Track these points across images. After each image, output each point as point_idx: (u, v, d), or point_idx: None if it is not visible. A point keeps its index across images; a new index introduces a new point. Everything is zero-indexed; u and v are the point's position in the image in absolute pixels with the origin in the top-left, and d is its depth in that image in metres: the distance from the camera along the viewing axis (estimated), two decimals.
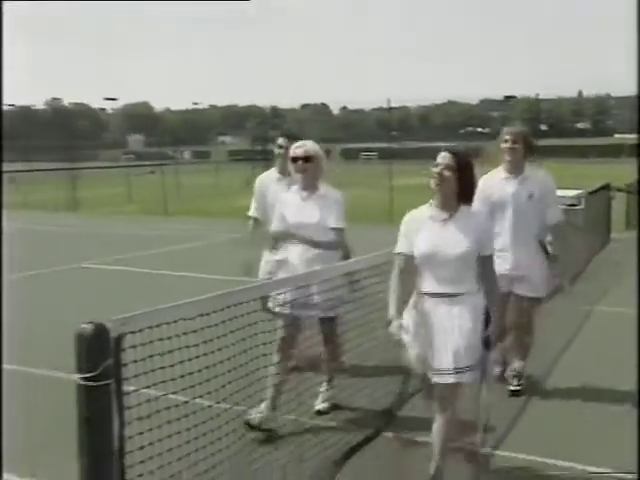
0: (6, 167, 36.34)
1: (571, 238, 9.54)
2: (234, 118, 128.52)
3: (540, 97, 42.29)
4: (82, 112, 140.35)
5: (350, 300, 5.51)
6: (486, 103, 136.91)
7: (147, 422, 3.17)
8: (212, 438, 3.85)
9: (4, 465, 4.54)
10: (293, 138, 6.17)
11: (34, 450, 5.07)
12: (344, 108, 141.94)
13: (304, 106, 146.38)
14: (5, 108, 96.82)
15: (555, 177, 6.40)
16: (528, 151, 6.22)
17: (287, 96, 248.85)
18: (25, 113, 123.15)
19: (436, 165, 4.23)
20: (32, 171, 38.27)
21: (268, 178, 6.72)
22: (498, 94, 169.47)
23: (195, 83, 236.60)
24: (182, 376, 3.45)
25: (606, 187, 15.77)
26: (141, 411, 3.12)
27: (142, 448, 3.07)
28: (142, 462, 3.08)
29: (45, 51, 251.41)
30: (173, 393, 3.39)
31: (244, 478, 4.24)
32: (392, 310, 4.31)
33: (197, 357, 3.63)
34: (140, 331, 3.08)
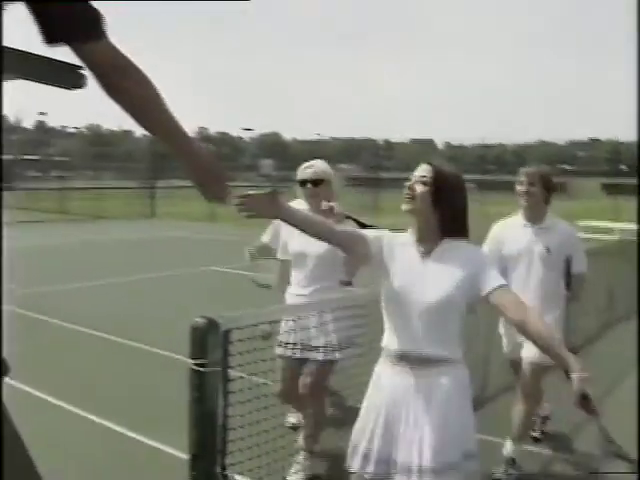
0: (162, 184, 37.74)
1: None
2: (351, 149, 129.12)
3: (621, 140, 40.92)
4: (224, 140, 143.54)
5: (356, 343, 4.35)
6: (573, 144, 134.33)
7: (248, 405, 3.23)
8: None
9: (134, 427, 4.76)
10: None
11: (158, 418, 5.41)
12: (448, 143, 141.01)
13: (413, 141, 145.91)
14: None
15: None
16: (548, 195, 4.70)
17: (399, 130, 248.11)
18: None
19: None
20: (180, 187, 39.33)
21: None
22: (584, 135, 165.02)
23: (319, 117, 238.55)
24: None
25: None
26: (242, 395, 3.17)
27: (242, 427, 3.13)
28: (242, 439, 3.14)
29: (191, 86, 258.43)
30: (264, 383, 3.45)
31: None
32: None
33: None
34: (245, 327, 3.13)
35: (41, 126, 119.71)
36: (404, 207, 2.78)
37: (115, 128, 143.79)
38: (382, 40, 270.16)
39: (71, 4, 1.85)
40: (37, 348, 7.67)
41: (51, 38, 1.85)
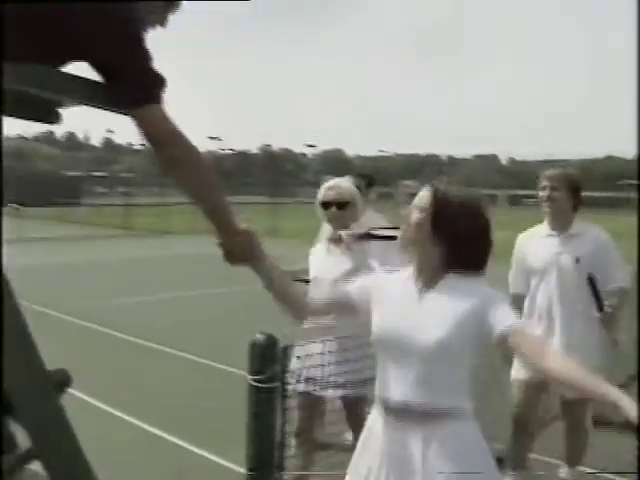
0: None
1: None
2: (415, 165, 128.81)
3: None
4: (287, 156, 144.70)
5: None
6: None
7: None
8: None
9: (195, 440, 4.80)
10: (367, 180, 4.94)
11: (215, 431, 5.52)
12: (511, 159, 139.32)
13: (476, 156, 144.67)
14: (226, 152, 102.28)
15: None
16: (576, 201, 4.15)
17: (461, 147, 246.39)
18: (242, 157, 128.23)
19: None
20: (244, 204, 39.77)
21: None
22: None
23: (382, 133, 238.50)
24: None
25: None
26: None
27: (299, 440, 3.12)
28: None
29: (261, 103, 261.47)
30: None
31: None
32: None
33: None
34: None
35: (108, 143, 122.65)
36: (402, 243, 2.41)
37: None
38: (445, 57, 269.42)
39: (141, 68, 1.93)
40: (98, 359, 7.83)
41: (116, 101, 1.93)
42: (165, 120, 1.99)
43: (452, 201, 2.32)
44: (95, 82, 1.93)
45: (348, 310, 2.54)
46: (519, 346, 2.17)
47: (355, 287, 2.51)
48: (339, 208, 3.87)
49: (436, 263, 2.32)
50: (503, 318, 2.19)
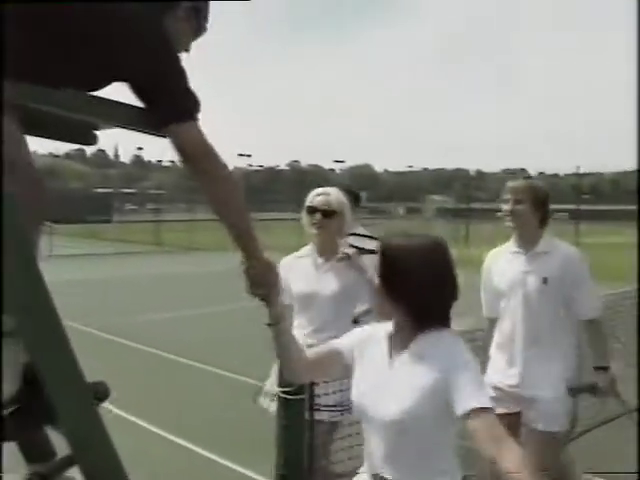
0: (257, 216, 38.49)
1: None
2: (443, 179, 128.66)
3: None
4: (316, 172, 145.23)
5: None
6: None
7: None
8: None
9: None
10: (353, 197, 4.45)
11: (244, 443, 5.60)
12: (541, 173, 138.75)
13: (505, 170, 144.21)
14: (256, 168, 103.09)
15: None
16: (542, 215, 3.75)
17: (491, 161, 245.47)
18: (271, 173, 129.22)
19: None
20: (275, 220, 40.07)
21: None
22: None
23: (410, 148, 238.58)
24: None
25: None
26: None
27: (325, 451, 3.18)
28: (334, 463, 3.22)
29: (288, 120, 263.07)
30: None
31: None
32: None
33: None
34: None
35: (138, 160, 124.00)
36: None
37: None
38: (474, 72, 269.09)
39: (178, 86, 2.06)
40: (128, 374, 7.95)
41: (156, 120, 2.04)
42: (201, 137, 2.10)
43: (402, 252, 2.08)
44: (132, 106, 2.05)
45: (337, 370, 2.34)
46: (475, 433, 1.87)
47: (345, 346, 2.27)
48: (325, 216, 3.68)
49: (406, 323, 2.08)
50: (466, 396, 1.91)
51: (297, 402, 2.99)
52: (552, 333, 3.64)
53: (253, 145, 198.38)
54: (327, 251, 3.73)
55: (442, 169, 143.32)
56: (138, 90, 2.04)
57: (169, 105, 2.05)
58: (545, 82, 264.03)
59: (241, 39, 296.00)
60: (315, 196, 3.76)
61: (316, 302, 3.65)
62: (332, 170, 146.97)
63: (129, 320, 11.55)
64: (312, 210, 3.71)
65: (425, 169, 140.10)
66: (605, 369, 3.60)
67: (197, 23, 2.28)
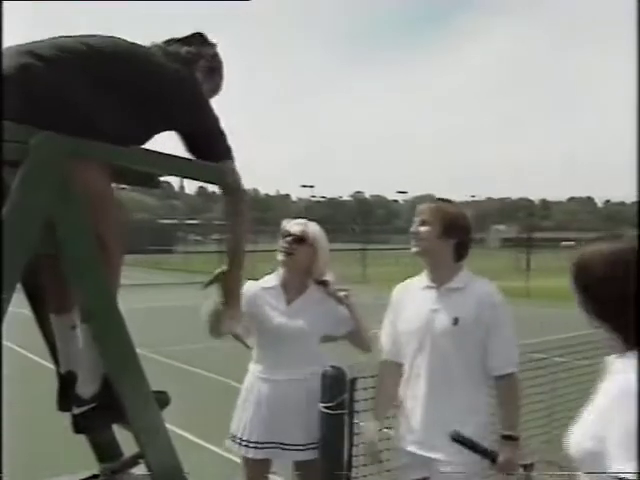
0: None
1: None
2: (507, 209, 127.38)
3: None
4: (379, 203, 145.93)
5: None
6: None
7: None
8: None
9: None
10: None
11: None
12: (607, 201, 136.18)
13: (570, 199, 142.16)
14: (319, 199, 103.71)
15: None
16: (457, 244, 3.22)
17: (555, 190, 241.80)
18: (333, 203, 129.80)
19: None
20: (335, 251, 40.44)
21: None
22: None
23: (473, 177, 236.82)
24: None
25: None
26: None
27: (365, 465, 3.40)
28: (365, 476, 3.49)
29: (351, 151, 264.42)
30: (387, 428, 3.42)
31: None
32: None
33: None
34: (371, 377, 3.47)
35: (202, 192, 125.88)
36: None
37: (272, 193, 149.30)
38: (539, 97, 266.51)
39: (218, 130, 2.55)
40: (191, 398, 8.36)
41: (206, 159, 2.51)
42: (238, 173, 2.57)
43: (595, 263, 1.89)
44: (185, 158, 2.49)
45: None
46: None
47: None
48: (295, 242, 3.53)
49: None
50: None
51: (337, 417, 3.29)
52: (463, 385, 3.12)
53: (316, 176, 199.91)
54: (293, 287, 3.57)
55: (506, 198, 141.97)
56: (186, 137, 2.51)
57: (216, 145, 2.53)
58: (607, 111, 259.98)
59: (302, 70, 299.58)
60: (294, 224, 3.60)
61: (283, 338, 3.48)
62: (395, 201, 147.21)
63: (189, 347, 11.98)
64: (286, 235, 3.57)
65: (489, 198, 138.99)
66: (512, 439, 3.02)
67: (213, 83, 2.73)
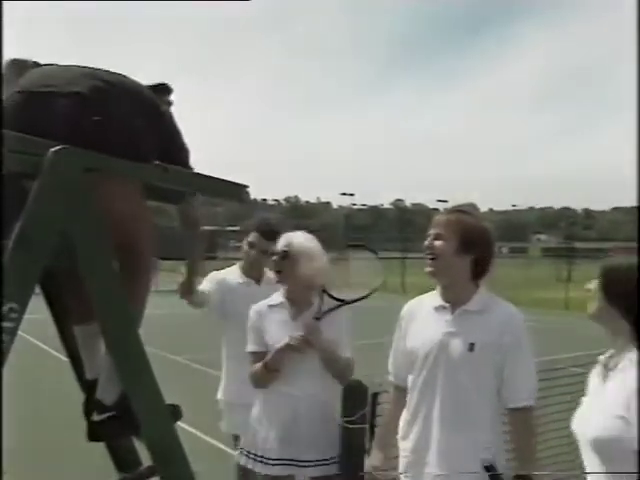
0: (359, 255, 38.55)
1: None
2: (549, 218, 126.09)
3: None
4: (420, 211, 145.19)
5: None
6: None
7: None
8: None
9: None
10: (269, 236, 4.01)
11: None
12: None
13: (615, 209, 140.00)
14: (359, 207, 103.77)
15: None
16: (476, 261, 2.88)
17: (598, 199, 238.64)
18: (375, 211, 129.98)
19: None
20: (385, 259, 40.45)
21: (230, 278, 4.40)
22: None
23: (515, 186, 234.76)
24: None
25: None
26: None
27: None
28: None
29: (392, 158, 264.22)
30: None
31: None
32: None
33: None
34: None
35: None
36: None
37: (313, 200, 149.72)
38: (580, 105, 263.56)
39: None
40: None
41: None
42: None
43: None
44: (205, 175, 2.54)
45: None
46: None
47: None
48: (282, 258, 3.44)
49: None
50: None
51: (357, 430, 3.26)
52: (479, 415, 2.83)
53: (356, 184, 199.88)
54: (298, 301, 3.47)
55: (548, 208, 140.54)
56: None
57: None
58: None
59: (345, 78, 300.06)
60: (282, 238, 3.52)
61: (293, 357, 3.34)
62: (436, 209, 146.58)
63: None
64: (272, 254, 3.55)
65: (531, 208, 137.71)
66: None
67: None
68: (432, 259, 2.87)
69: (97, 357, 2.60)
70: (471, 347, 2.77)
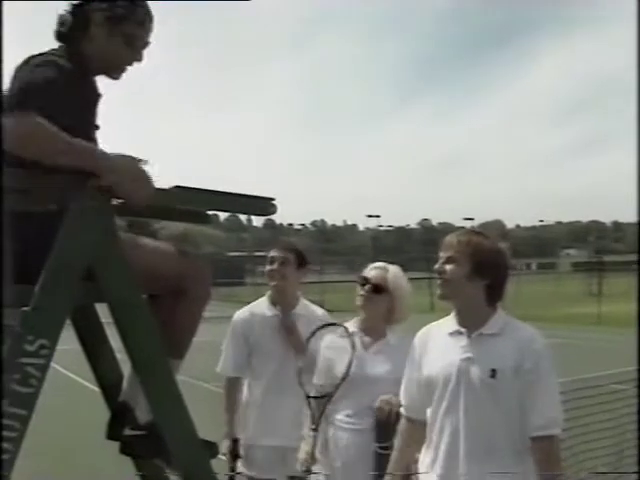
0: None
1: None
2: (577, 232, 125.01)
3: None
4: (446, 230, 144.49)
5: None
6: None
7: None
8: None
9: None
10: (291, 252, 3.94)
11: None
12: None
13: None
14: (386, 228, 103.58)
15: None
16: (491, 284, 2.72)
17: (627, 211, 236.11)
18: (401, 232, 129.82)
19: None
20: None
21: (254, 313, 4.16)
22: None
23: (541, 203, 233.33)
24: None
25: None
26: None
27: None
28: None
29: (417, 178, 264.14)
30: None
31: None
32: None
33: None
34: None
35: (270, 224, 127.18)
36: None
37: (339, 223, 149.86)
38: (607, 119, 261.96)
39: None
40: None
41: None
42: None
43: None
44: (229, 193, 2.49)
45: None
46: None
47: None
48: (375, 291, 3.44)
49: None
50: None
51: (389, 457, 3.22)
52: (507, 446, 2.67)
53: (382, 205, 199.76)
54: (371, 332, 3.48)
55: (576, 222, 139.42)
56: None
57: None
58: None
59: (364, 99, 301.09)
60: (372, 269, 3.51)
61: (361, 385, 3.32)
62: (463, 228, 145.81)
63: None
64: (362, 281, 3.47)
65: (559, 222, 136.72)
66: None
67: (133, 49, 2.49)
68: (443, 283, 2.74)
69: (130, 381, 2.57)
70: (493, 374, 2.62)
